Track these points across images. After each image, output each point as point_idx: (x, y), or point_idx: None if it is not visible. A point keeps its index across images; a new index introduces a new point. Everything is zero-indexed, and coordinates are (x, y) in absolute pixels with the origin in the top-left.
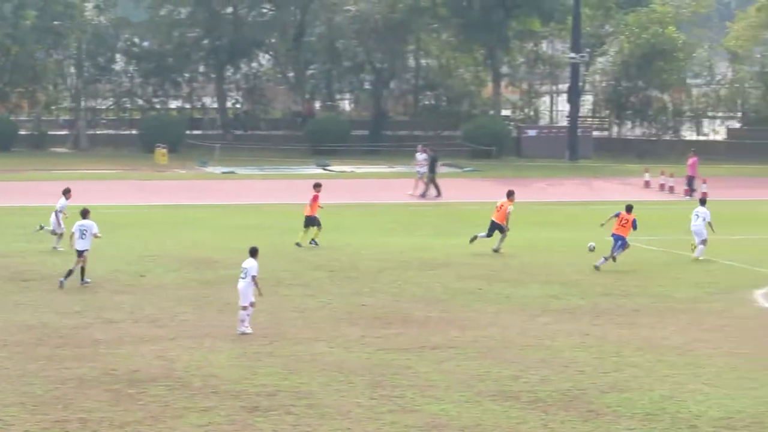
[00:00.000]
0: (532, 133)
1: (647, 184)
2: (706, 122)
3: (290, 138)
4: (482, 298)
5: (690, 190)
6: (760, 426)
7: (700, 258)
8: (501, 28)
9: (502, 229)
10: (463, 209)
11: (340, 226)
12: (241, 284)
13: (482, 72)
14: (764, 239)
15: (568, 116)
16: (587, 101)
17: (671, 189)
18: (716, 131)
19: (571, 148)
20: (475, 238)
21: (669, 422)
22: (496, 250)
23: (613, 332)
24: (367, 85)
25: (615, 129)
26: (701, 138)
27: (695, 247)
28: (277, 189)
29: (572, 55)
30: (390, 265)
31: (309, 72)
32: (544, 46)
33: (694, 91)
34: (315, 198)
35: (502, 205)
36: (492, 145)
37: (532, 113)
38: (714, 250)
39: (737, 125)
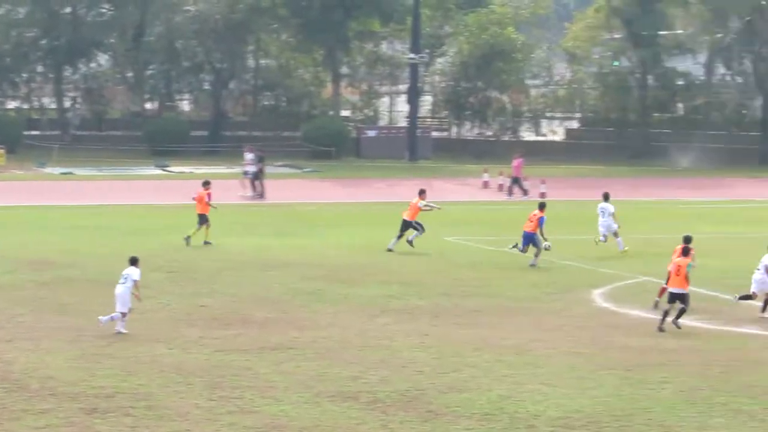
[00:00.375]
0: (371, 133)
1: (486, 185)
2: (544, 123)
3: (129, 138)
4: (321, 298)
5: (523, 190)
6: (597, 425)
7: (625, 248)
8: (341, 28)
9: (414, 226)
10: (303, 210)
11: (179, 227)
12: (119, 289)
13: (322, 72)
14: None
15: (407, 117)
16: (427, 102)
17: (510, 189)
18: (555, 132)
19: (411, 148)
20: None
21: (507, 422)
22: (409, 241)
23: (453, 332)
24: (206, 86)
25: (454, 129)
26: (540, 138)
27: (598, 242)
28: (116, 190)
29: (411, 55)
30: (229, 266)
31: (148, 72)
32: (384, 46)
33: (533, 92)
34: (208, 196)
35: (412, 204)
36: (331, 145)
37: (371, 114)
38: (551, 251)
39: (576, 126)
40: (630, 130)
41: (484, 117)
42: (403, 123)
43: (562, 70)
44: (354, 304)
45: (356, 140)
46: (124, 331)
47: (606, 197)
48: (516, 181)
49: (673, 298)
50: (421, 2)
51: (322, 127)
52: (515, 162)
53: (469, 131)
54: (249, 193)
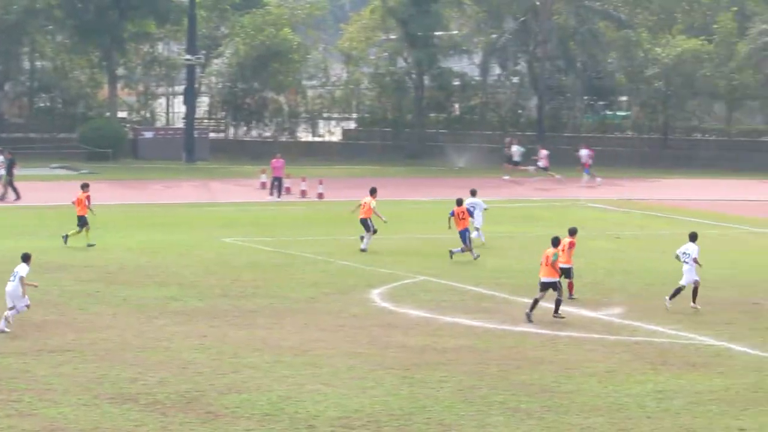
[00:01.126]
0: (148, 134)
1: (264, 186)
2: (322, 123)
3: None
4: (100, 300)
5: (277, 191)
6: (377, 425)
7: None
8: (116, 29)
9: (368, 227)
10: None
11: None
12: (9, 287)
13: (98, 74)
14: (377, 239)
15: (184, 118)
16: (204, 103)
17: (287, 190)
18: (332, 132)
19: (188, 149)
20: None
21: (287, 423)
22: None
23: (231, 333)
24: None
25: (231, 130)
26: (317, 139)
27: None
28: None
29: (188, 56)
30: (6, 269)
31: None
32: (160, 47)
33: (310, 93)
34: (86, 198)
35: (365, 203)
36: (108, 147)
37: (148, 115)
38: (328, 251)
39: (353, 126)
40: (407, 131)
41: (261, 118)
42: (180, 124)
43: (338, 71)
44: (132, 305)
45: (133, 142)
46: (7, 330)
47: (473, 193)
48: (276, 180)
49: (545, 286)
50: (196, 3)
51: (99, 128)
52: (275, 162)
53: (247, 132)
54: (12, 196)
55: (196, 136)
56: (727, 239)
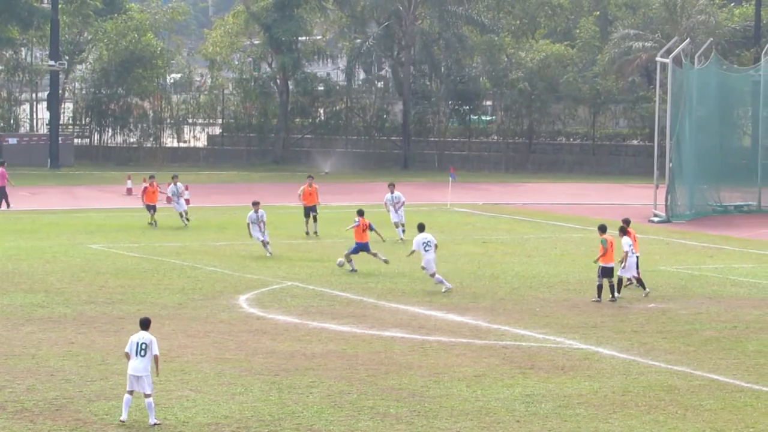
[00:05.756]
0: (12, 141)
1: (129, 192)
2: (187, 129)
3: None
4: None
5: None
6: (246, 430)
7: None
8: None
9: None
10: None
11: None
12: None
13: None
14: (244, 245)
15: (48, 124)
16: (68, 109)
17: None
18: (197, 138)
19: (52, 156)
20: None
21: (156, 429)
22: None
23: (99, 340)
24: None
25: (96, 136)
26: (183, 145)
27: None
28: None
29: (51, 62)
30: None
31: None
32: (24, 53)
33: (174, 98)
34: None
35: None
36: None
37: (12, 121)
38: (195, 257)
39: (218, 131)
40: (272, 136)
41: (126, 123)
42: (44, 130)
43: (203, 76)
44: None
45: None
46: None
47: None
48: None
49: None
50: (59, 9)
51: None
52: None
53: (112, 138)
54: None
55: (60, 142)
56: (590, 242)
